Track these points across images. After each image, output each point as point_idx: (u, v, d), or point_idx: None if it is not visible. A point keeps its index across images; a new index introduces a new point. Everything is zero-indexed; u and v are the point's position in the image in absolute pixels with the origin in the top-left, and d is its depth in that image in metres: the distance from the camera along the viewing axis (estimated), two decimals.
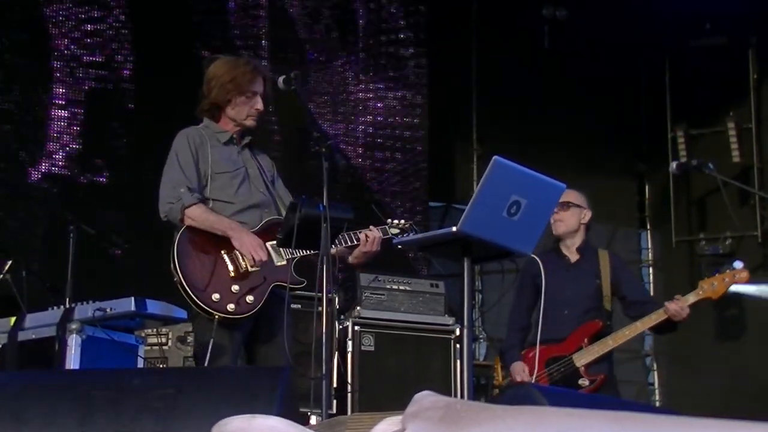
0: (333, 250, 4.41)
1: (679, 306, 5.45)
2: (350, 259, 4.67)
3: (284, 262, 4.51)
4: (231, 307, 4.36)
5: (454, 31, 8.95)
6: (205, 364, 4.31)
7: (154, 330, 5.98)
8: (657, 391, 9.27)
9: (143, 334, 5.65)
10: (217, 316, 4.33)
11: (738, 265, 5.61)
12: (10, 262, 5.66)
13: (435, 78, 8.66)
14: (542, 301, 5.37)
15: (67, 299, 5.33)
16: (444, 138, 8.93)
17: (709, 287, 5.52)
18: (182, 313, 5.23)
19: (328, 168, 4.33)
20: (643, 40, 9.20)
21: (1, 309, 5.50)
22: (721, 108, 8.93)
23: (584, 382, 5.50)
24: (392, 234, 4.70)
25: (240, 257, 4.47)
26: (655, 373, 9.31)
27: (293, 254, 4.49)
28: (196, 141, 4.61)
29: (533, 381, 5.37)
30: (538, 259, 4.87)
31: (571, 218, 5.69)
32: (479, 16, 8.99)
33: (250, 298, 4.41)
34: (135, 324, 5.26)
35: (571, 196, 5.62)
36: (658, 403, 9.12)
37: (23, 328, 5.21)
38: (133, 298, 5.03)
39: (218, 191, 4.58)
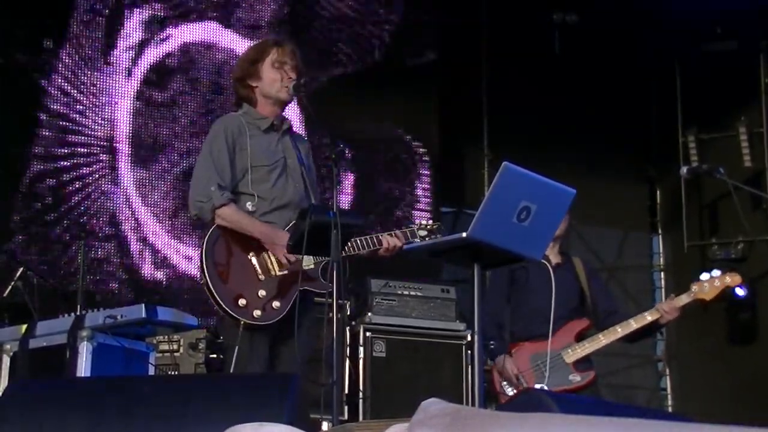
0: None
1: (671, 306, 5.46)
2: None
3: (312, 266, 4.44)
4: (257, 313, 4.32)
5: (465, 37, 8.94)
6: (231, 370, 4.28)
7: (166, 337, 5.98)
8: (669, 397, 9.24)
9: (155, 341, 5.66)
10: (242, 322, 4.30)
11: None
12: (21, 269, 5.67)
13: (446, 83, 8.66)
14: (526, 296, 5.52)
15: (78, 306, 5.34)
16: (455, 143, 8.93)
17: (700, 289, 5.50)
18: (193, 320, 5.24)
19: (337, 174, 4.31)
20: (653, 45, 9.19)
21: (12, 316, 5.52)
22: (732, 112, 8.90)
23: (575, 377, 5.48)
24: (420, 237, 4.62)
25: (269, 261, 4.42)
26: (668, 378, 9.28)
27: (322, 258, 4.39)
28: (234, 131, 4.49)
29: (521, 377, 5.41)
30: None
31: (563, 223, 5.60)
32: (489, 21, 8.99)
33: (276, 304, 4.36)
34: (146, 331, 5.27)
35: None
36: (670, 409, 9.09)
37: (34, 335, 5.22)
38: (143, 305, 5.04)
39: (255, 185, 4.47)
